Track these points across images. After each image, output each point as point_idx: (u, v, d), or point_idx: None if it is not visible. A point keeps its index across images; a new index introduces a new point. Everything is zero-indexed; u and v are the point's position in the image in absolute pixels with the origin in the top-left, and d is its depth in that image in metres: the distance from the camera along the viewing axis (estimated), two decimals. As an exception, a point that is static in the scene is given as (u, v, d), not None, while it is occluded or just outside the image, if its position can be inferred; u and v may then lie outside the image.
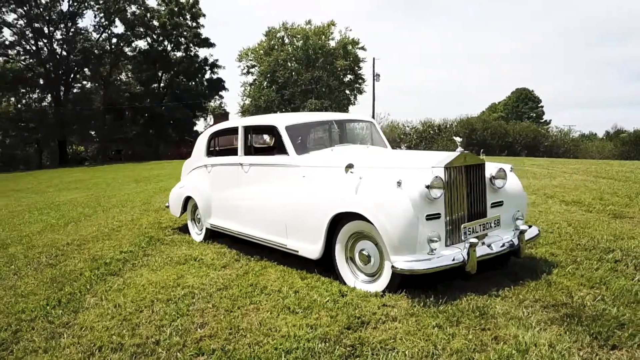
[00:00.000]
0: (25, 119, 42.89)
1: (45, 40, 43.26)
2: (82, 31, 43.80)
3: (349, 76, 67.25)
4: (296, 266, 4.99)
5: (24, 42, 42.98)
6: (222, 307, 3.97)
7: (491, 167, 4.59)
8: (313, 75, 58.56)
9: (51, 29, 43.28)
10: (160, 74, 48.19)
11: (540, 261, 4.83)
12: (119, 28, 46.18)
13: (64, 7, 43.23)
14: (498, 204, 4.61)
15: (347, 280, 4.41)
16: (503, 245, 4.34)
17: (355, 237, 4.39)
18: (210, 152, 6.74)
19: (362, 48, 65.97)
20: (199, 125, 55.89)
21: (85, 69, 45.47)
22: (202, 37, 48.46)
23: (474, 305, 3.72)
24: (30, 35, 42.50)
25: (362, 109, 63.48)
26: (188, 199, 6.99)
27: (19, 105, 43.82)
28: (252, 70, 64.77)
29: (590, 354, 2.98)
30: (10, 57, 42.70)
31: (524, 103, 66.67)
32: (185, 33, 47.10)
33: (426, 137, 43.74)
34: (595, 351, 3.01)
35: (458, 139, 4.50)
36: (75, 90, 45.10)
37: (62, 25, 43.38)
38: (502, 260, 4.64)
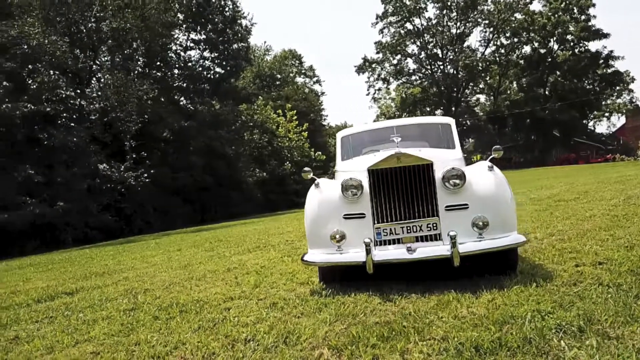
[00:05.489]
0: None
1: (439, 63, 49.08)
2: (465, 49, 47.39)
3: None
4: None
5: (422, 68, 50.06)
6: (206, 278, 5.46)
7: (444, 167, 4.22)
8: None
9: (444, 51, 48.78)
10: (545, 77, 46.75)
11: (525, 276, 3.99)
12: (502, 39, 47.51)
13: (453, 30, 47.92)
14: (460, 207, 4.18)
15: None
16: (448, 251, 4.01)
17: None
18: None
19: None
20: (601, 127, 50.66)
21: (474, 83, 48.85)
22: (593, 29, 44.22)
23: (337, 300, 3.88)
24: (426, 61, 49.06)
25: None
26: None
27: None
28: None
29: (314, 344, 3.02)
30: (411, 83, 50.54)
31: None
32: (571, 29, 44.22)
33: None
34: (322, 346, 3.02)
35: (397, 139, 4.38)
36: (462, 105, 49.07)
37: (451, 47, 48.18)
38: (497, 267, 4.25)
